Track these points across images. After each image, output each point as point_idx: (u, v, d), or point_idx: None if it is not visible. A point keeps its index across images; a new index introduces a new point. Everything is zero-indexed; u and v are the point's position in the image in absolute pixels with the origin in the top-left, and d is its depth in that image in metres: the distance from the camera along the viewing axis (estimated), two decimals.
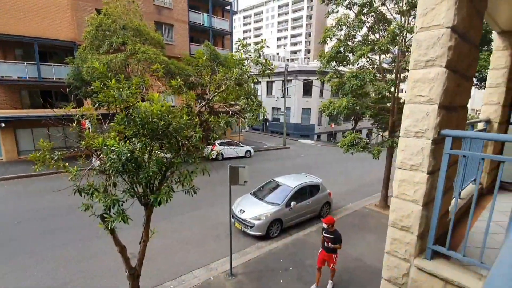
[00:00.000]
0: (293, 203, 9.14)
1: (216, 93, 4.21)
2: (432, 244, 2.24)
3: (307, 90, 33.75)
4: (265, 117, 32.15)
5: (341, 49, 10.18)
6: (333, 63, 10.60)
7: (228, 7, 28.29)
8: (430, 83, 2.07)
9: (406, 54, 9.77)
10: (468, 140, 3.17)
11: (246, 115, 4.25)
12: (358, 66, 10.66)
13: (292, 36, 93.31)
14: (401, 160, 2.28)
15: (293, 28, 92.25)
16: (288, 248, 8.32)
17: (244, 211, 9.08)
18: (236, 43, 4.35)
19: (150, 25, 17.41)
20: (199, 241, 8.57)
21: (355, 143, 10.02)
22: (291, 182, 10.09)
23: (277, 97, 36.13)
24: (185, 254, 7.82)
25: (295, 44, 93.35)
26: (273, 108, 36.87)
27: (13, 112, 18.29)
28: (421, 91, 2.12)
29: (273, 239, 8.84)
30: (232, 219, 8.24)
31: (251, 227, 8.65)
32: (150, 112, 3.56)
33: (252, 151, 22.56)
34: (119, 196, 3.74)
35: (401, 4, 9.44)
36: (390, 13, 9.89)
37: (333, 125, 32.71)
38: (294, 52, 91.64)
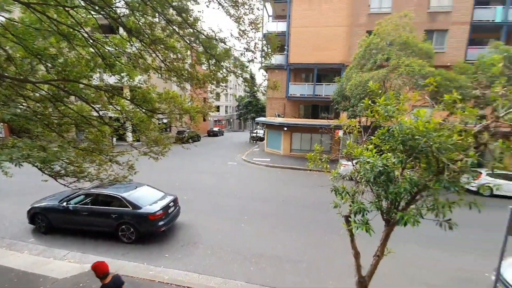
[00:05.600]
0: None
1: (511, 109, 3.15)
2: None
3: None
4: None
5: None
6: None
7: None
8: None
9: None
10: None
11: None
12: None
13: None
14: None
15: None
16: None
17: None
18: None
19: (420, 35, 16.40)
20: (437, 287, 7.00)
21: None
22: None
23: None
24: None
25: None
26: None
27: (293, 120, 24.95)
28: None
29: None
30: (497, 283, 5.90)
31: None
32: (414, 129, 3.39)
33: None
34: (366, 205, 3.93)
35: None
36: None
37: None
38: None
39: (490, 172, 3.54)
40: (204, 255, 7.91)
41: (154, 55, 6.24)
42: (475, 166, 3.36)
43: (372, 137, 3.99)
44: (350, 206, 4.14)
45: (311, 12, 23.02)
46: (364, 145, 4.33)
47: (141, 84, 7.17)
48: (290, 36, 23.80)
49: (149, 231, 8.36)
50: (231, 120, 65.80)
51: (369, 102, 3.90)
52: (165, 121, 7.83)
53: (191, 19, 5.53)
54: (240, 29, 5.13)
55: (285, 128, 24.52)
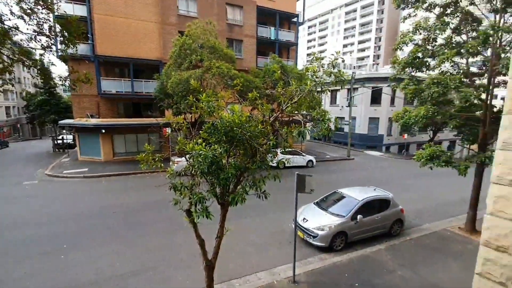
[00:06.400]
0: (359, 216, 8.72)
1: (289, 104, 4.50)
2: None
3: (375, 98, 31.72)
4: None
5: (419, 55, 9.42)
6: (409, 69, 9.87)
7: (295, 19, 28.92)
8: None
9: (502, 56, 8.49)
10: None
11: (318, 125, 4.42)
12: (440, 71, 9.69)
13: (360, 42, 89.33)
14: (498, 174, 2.12)
15: (361, 33, 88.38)
16: (353, 263, 7.96)
17: (307, 220, 9.07)
18: (309, 56, 4.57)
19: (223, 42, 19.08)
20: (261, 245, 8.88)
21: (435, 156, 9.04)
22: (357, 194, 9.66)
23: (342, 106, 34.88)
24: (249, 256, 8.21)
25: (363, 50, 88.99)
26: (337, 117, 35.66)
27: (112, 120, 22.06)
28: None
29: (336, 252, 8.57)
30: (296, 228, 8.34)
31: (314, 237, 8.57)
32: (232, 122, 4.04)
33: (314, 161, 22.23)
34: (204, 194, 4.29)
35: (494, 2, 8.30)
36: (481, 12, 8.77)
37: (405, 136, 29.77)
38: (362, 59, 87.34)
39: (282, 150, 4.98)
40: None
41: None
42: (274, 147, 4.53)
43: (200, 132, 4.35)
44: (190, 198, 4.37)
45: (116, 0, 20.84)
46: (194, 140, 4.63)
47: None
48: (94, 24, 20.48)
49: None
50: (18, 125, 48.26)
51: (193, 99, 4.21)
52: None
53: None
54: (22, 7, 3.85)
55: (103, 130, 21.23)
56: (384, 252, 8.64)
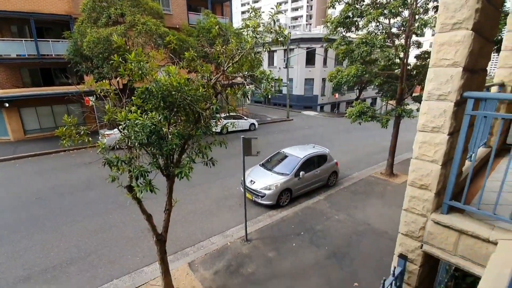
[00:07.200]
0: (301, 173, 9.40)
1: (231, 63, 4.22)
2: (449, 200, 2.42)
3: (309, 59, 32.88)
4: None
5: (350, 14, 9.80)
6: (341, 29, 10.28)
7: None
8: (456, 46, 2.11)
9: (417, 17, 9.43)
10: (482, 102, 3.23)
11: (261, 85, 4.29)
12: (367, 31, 10.35)
13: (293, 1, 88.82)
14: (423, 123, 2.39)
15: None
16: (298, 215, 8.73)
17: (254, 182, 9.40)
18: (245, 14, 4.24)
19: None
20: (213, 211, 8.98)
21: (363, 112, 10.03)
22: (298, 152, 10.29)
23: (279, 68, 35.35)
24: (201, 224, 8.26)
25: (296, 9, 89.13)
26: (279, 77, 36.27)
27: (15, 91, 18.19)
28: (446, 55, 2.16)
29: (283, 208, 9.23)
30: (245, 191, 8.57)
31: (262, 196, 9.00)
32: (169, 85, 3.62)
33: (256, 124, 22.64)
34: (146, 167, 3.92)
35: None
36: None
37: (336, 95, 32.28)
38: (295, 18, 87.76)
39: (226, 114, 4.83)
40: None
41: None
42: (217, 112, 4.30)
43: (133, 98, 3.82)
44: (130, 172, 3.96)
45: None
46: (127, 108, 4.07)
47: None
48: None
49: None
50: None
51: (120, 59, 3.59)
52: None
53: None
54: None
55: (7, 104, 17.46)
56: (323, 201, 9.66)
